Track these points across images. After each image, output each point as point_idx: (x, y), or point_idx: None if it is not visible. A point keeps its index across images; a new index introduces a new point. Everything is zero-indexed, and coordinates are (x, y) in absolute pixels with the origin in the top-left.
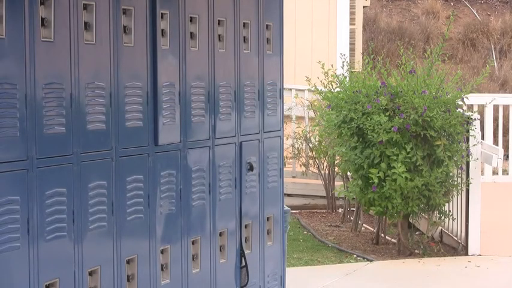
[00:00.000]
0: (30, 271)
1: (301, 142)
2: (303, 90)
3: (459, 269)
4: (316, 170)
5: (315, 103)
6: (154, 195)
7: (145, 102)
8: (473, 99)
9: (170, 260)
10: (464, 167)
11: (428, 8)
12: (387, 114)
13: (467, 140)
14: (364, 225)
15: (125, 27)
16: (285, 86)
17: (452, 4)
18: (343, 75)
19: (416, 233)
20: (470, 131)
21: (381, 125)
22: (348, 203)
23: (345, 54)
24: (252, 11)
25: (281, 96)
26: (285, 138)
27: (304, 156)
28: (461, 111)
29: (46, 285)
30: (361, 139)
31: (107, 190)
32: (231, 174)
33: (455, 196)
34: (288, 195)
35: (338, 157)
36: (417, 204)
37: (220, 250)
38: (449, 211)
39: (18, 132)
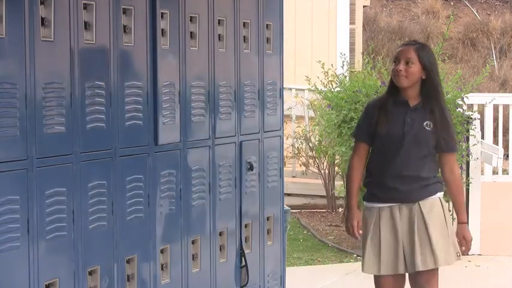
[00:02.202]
0: (30, 271)
1: (301, 142)
2: (303, 90)
3: (459, 269)
4: (316, 170)
5: (315, 103)
6: (154, 195)
7: (145, 102)
8: (473, 98)
9: (170, 260)
10: (464, 166)
11: (428, 7)
12: None
13: (467, 139)
14: None
15: (124, 26)
16: (285, 86)
17: (452, 4)
18: (343, 74)
19: None
20: (470, 130)
21: None
22: None
23: (344, 54)
24: (252, 10)
25: (281, 96)
26: (285, 137)
27: (304, 155)
28: (461, 110)
29: (46, 285)
30: None
31: (106, 190)
32: (231, 174)
33: None
34: (288, 194)
35: (338, 157)
36: None
37: (220, 250)
38: (449, 211)
39: (18, 132)
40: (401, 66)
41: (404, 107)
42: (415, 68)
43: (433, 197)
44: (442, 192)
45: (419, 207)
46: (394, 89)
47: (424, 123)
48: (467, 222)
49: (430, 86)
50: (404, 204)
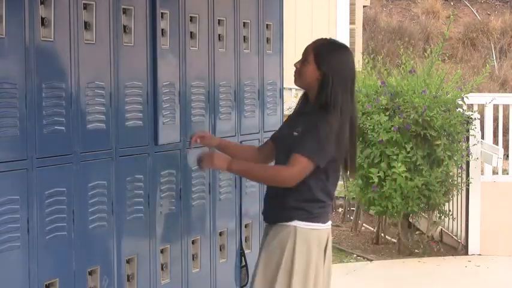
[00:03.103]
0: (30, 271)
1: None
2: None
3: (459, 268)
4: None
5: None
6: (154, 195)
7: (145, 102)
8: (473, 98)
9: (170, 260)
10: (464, 166)
11: (428, 7)
12: (387, 113)
13: (467, 139)
14: (364, 224)
15: (125, 26)
16: (285, 86)
17: (452, 4)
18: None
19: (416, 232)
20: (470, 130)
21: (381, 125)
22: (347, 203)
23: None
24: (252, 10)
25: (281, 96)
26: None
27: None
28: (461, 110)
29: (46, 285)
30: (361, 138)
31: (107, 190)
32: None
33: (455, 196)
34: None
35: None
36: (417, 204)
37: (220, 250)
38: (449, 211)
39: (18, 132)
40: (297, 63)
41: (300, 110)
42: (309, 68)
43: (286, 223)
44: (304, 222)
45: (270, 232)
46: None
47: (295, 129)
48: (232, 168)
49: (324, 90)
50: (266, 222)
